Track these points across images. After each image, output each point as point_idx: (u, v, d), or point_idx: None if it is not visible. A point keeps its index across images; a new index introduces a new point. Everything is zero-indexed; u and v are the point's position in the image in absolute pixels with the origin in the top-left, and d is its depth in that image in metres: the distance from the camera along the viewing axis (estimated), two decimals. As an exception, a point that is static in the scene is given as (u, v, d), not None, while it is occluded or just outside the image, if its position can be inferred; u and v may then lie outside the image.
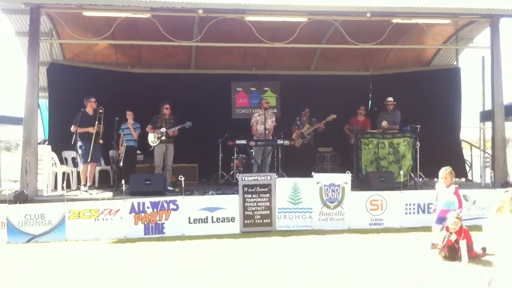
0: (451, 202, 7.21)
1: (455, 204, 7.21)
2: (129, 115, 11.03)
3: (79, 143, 10.18)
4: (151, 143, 10.91)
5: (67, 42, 11.95)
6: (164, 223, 8.42)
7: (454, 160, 12.74)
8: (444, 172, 7.40)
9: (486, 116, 12.73)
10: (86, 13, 10.09)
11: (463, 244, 6.48)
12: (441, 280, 5.71)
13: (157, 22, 9.94)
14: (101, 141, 10.30)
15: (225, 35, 11.28)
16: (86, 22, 10.93)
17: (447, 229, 6.66)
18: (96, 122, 10.19)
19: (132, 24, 11.27)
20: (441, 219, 7.11)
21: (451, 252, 6.58)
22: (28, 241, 8.04)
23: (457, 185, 7.45)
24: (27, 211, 8.15)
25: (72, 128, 10.09)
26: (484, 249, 6.74)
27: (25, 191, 8.93)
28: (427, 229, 8.40)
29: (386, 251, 7.19)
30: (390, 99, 11.96)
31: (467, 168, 13.21)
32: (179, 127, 10.75)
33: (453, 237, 6.55)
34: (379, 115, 11.97)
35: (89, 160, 10.21)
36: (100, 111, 10.33)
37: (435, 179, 7.77)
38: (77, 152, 10.30)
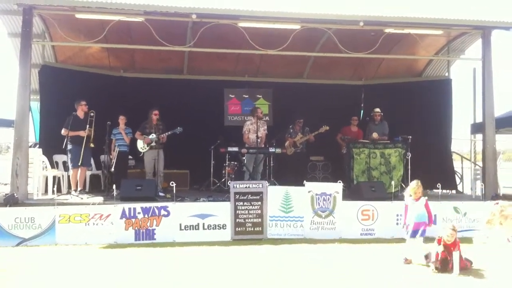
0: (422, 215, 7.15)
1: (426, 217, 7.15)
2: (122, 119, 11.01)
3: (69, 147, 10.11)
4: (140, 150, 10.86)
5: (59, 44, 11.87)
6: (155, 229, 8.38)
7: (444, 171, 12.86)
8: (415, 185, 7.31)
9: (477, 128, 12.80)
10: (79, 16, 10.03)
11: (456, 255, 6.46)
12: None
13: (150, 26, 9.92)
14: (92, 145, 10.25)
15: (218, 40, 11.28)
16: (79, 25, 10.88)
17: (439, 241, 6.64)
18: (87, 126, 10.14)
19: (125, 27, 11.23)
20: (415, 232, 7.07)
21: (443, 265, 6.58)
22: (18, 244, 7.98)
23: (426, 197, 7.37)
24: (17, 215, 8.09)
25: (63, 132, 10.03)
26: (470, 261, 6.75)
27: (15, 194, 8.85)
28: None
29: (377, 261, 7.19)
30: (377, 110, 12.08)
31: (458, 180, 13.26)
32: (169, 132, 10.71)
33: (440, 249, 6.53)
34: (367, 125, 12.01)
35: (79, 164, 10.15)
36: (91, 114, 10.28)
37: (405, 192, 7.81)
38: (67, 155, 10.23)
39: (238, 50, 11.84)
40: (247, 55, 12.83)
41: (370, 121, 12.12)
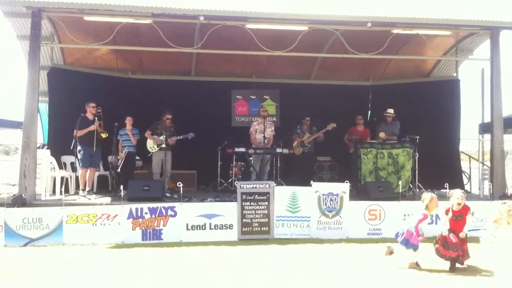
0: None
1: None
2: (129, 121, 11.06)
3: (78, 148, 10.18)
4: (150, 149, 10.93)
5: (68, 46, 11.93)
6: (162, 229, 8.40)
7: (452, 171, 12.83)
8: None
9: (485, 128, 12.76)
10: (88, 18, 10.12)
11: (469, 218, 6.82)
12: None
13: (158, 28, 9.97)
14: (104, 135, 10.29)
15: (226, 42, 11.33)
16: (87, 27, 10.95)
17: (447, 211, 6.72)
18: (96, 119, 10.21)
19: (133, 29, 11.28)
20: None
21: (453, 264, 6.59)
22: (26, 244, 8.02)
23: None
24: (25, 215, 8.13)
25: (75, 133, 10.07)
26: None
27: (23, 195, 8.92)
28: (425, 240, 8.41)
29: (383, 261, 7.17)
30: (390, 111, 11.98)
31: (466, 180, 13.22)
32: (181, 137, 10.77)
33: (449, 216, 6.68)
34: (379, 125, 11.98)
35: (89, 165, 10.23)
36: (99, 111, 10.34)
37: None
38: (76, 156, 10.30)
39: (246, 52, 11.89)
40: (254, 56, 12.85)
41: (382, 121, 12.05)
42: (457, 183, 12.29)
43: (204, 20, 9.77)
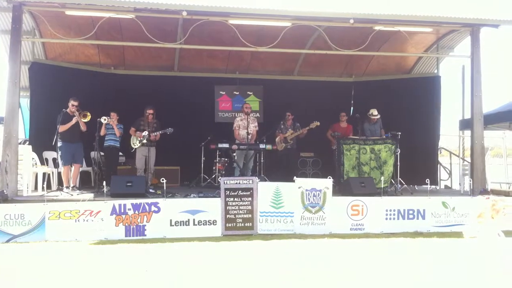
0: None
1: None
2: (113, 116, 10.97)
3: (59, 144, 10.07)
4: (133, 145, 10.90)
5: (49, 41, 11.81)
6: (145, 225, 8.39)
7: (431, 167, 13.01)
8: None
9: (466, 124, 12.92)
10: (69, 12, 10.02)
11: None
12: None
13: (141, 23, 9.91)
14: (88, 117, 10.24)
15: (209, 38, 11.34)
16: (69, 22, 10.87)
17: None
18: (76, 114, 10.15)
19: (115, 24, 11.22)
20: None
21: None
22: (8, 241, 7.95)
23: None
24: (6, 211, 8.06)
25: (59, 129, 9.99)
26: None
27: (5, 191, 8.85)
28: (407, 234, 8.62)
29: (366, 255, 7.25)
30: (375, 113, 11.98)
31: (446, 176, 13.39)
32: (160, 132, 10.75)
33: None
34: (363, 124, 12.01)
35: (71, 161, 10.18)
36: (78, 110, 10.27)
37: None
38: (57, 152, 10.22)
39: (229, 47, 11.89)
40: (237, 52, 12.88)
41: (366, 120, 12.09)
42: (434, 179, 12.47)
43: (187, 16, 9.72)
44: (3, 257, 7.04)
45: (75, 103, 10.22)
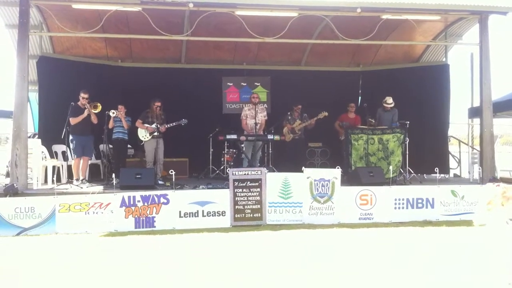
0: None
1: None
2: (121, 109, 11.00)
3: (70, 137, 10.15)
4: (142, 138, 10.91)
5: (56, 35, 11.88)
6: (154, 216, 8.43)
7: (441, 156, 12.95)
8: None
9: (475, 112, 12.84)
10: (76, 6, 10.04)
11: None
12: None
13: (147, 16, 9.93)
14: (99, 108, 10.34)
15: (216, 29, 11.33)
16: (76, 15, 10.90)
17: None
18: (87, 106, 10.21)
19: (122, 17, 11.24)
20: None
21: None
22: (18, 234, 8.02)
23: None
24: (17, 204, 8.12)
25: (72, 121, 10.07)
26: None
27: (15, 185, 8.91)
28: (416, 223, 8.62)
29: (376, 244, 7.25)
30: (389, 101, 11.85)
31: (455, 164, 13.35)
32: (174, 123, 10.74)
33: None
34: (377, 111, 11.96)
35: (81, 154, 10.24)
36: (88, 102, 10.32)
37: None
38: (68, 146, 10.29)
39: (236, 39, 11.88)
40: (244, 43, 12.86)
41: (380, 108, 12.04)
42: (444, 168, 12.44)
43: (194, 7, 9.70)
44: (14, 250, 7.10)
45: (85, 96, 10.27)
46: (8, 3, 10.19)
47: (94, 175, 11.55)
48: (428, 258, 6.41)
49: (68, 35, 11.44)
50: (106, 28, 10.95)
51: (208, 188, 9.39)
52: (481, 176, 10.37)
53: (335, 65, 14.78)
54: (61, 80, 11.93)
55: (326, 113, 11.45)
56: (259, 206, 8.73)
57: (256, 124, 11.29)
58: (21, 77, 9.41)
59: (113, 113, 10.68)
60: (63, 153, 10.89)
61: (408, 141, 11.00)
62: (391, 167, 9.85)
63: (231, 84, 14.29)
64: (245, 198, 8.71)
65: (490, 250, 6.58)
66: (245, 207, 8.70)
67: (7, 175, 10.98)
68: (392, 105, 11.84)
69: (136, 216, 8.38)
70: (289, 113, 11.96)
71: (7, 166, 11.72)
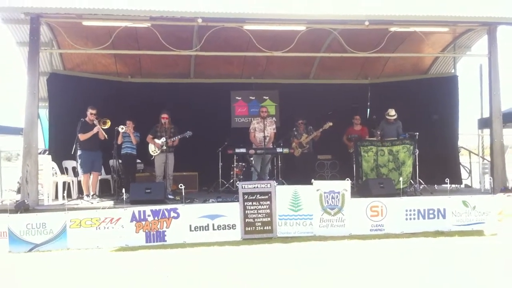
0: None
1: None
2: (129, 124, 11.06)
3: (78, 152, 10.20)
4: (152, 153, 10.95)
5: (67, 51, 12.01)
6: (165, 231, 8.42)
7: (452, 167, 12.89)
8: None
9: (484, 123, 12.80)
10: (86, 23, 10.14)
11: None
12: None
13: (156, 32, 10.01)
14: (108, 124, 10.39)
15: (224, 44, 11.39)
16: (86, 32, 11.01)
17: None
18: (95, 122, 10.27)
19: (132, 33, 11.34)
20: None
21: None
22: (30, 250, 8.04)
23: None
24: (28, 221, 8.15)
25: (81, 137, 10.13)
26: None
27: (26, 201, 8.97)
28: (428, 234, 8.55)
29: (388, 256, 7.21)
30: (392, 113, 11.90)
31: (466, 175, 13.29)
32: (179, 136, 10.77)
33: None
34: (379, 123, 11.96)
35: (90, 170, 10.29)
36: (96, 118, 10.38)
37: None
38: (76, 161, 10.34)
39: (244, 53, 11.96)
40: (253, 57, 12.94)
41: (382, 120, 12.04)
42: (455, 178, 12.38)
43: (202, 23, 9.80)
44: (27, 266, 7.10)
45: (93, 111, 10.34)
46: (19, 21, 10.30)
47: (105, 190, 11.59)
48: (443, 270, 6.36)
49: (78, 51, 11.55)
50: (115, 44, 11.04)
51: (218, 202, 9.41)
52: (492, 186, 10.32)
53: (343, 78, 14.81)
54: (71, 96, 12.01)
55: (331, 123, 11.40)
56: (269, 218, 8.70)
57: (265, 137, 11.30)
58: (31, 93, 9.50)
59: (122, 128, 10.75)
60: (74, 168, 10.93)
61: (417, 152, 10.95)
62: (401, 179, 9.81)
63: (240, 98, 14.35)
64: (255, 211, 8.70)
65: (506, 260, 6.53)
66: (255, 220, 8.67)
67: (18, 191, 11.02)
68: (395, 117, 11.85)
69: (146, 231, 8.38)
70: (294, 128, 11.94)
71: (18, 182, 11.79)
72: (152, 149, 10.91)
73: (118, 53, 12.57)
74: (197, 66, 13.93)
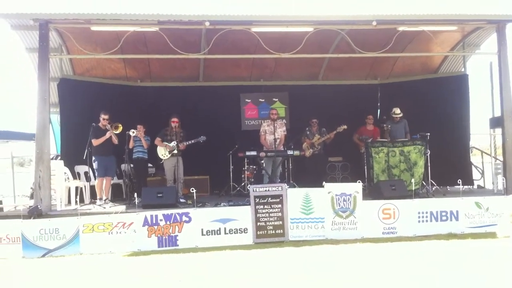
0: None
1: None
2: (140, 128, 11.09)
3: (93, 158, 10.27)
4: (161, 157, 10.96)
5: (76, 57, 12.07)
6: (177, 235, 8.45)
7: (463, 167, 12.81)
8: None
9: (496, 122, 12.69)
10: (95, 28, 10.17)
11: None
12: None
13: (165, 35, 10.02)
14: (119, 128, 10.41)
15: (232, 46, 11.40)
16: (95, 37, 11.05)
17: None
18: (109, 127, 10.31)
19: (140, 38, 11.36)
20: None
21: None
22: (44, 255, 8.11)
23: None
24: (41, 226, 8.23)
25: (94, 142, 10.18)
26: None
27: (39, 206, 9.01)
28: (440, 236, 8.50)
29: (400, 259, 7.17)
30: (397, 112, 11.92)
31: (479, 175, 13.19)
32: (193, 141, 10.77)
33: None
34: (385, 123, 11.92)
35: (104, 174, 10.33)
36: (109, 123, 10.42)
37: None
38: (91, 166, 10.38)
39: (253, 55, 11.95)
40: (261, 59, 12.93)
41: (389, 120, 12.02)
42: (467, 179, 12.30)
43: (210, 26, 9.80)
44: (41, 272, 7.15)
45: (106, 117, 10.38)
46: (28, 27, 10.33)
47: (117, 195, 11.64)
48: (454, 273, 6.33)
49: (88, 57, 11.60)
50: (124, 49, 11.07)
51: (230, 205, 9.40)
52: (505, 186, 10.23)
53: (352, 79, 14.75)
54: (82, 101, 12.07)
55: (345, 126, 11.41)
56: (281, 222, 8.70)
57: (275, 139, 11.29)
58: (42, 99, 9.53)
59: (133, 132, 10.78)
60: (86, 173, 10.98)
61: (429, 153, 10.89)
62: (413, 180, 9.77)
63: (249, 100, 14.35)
64: (267, 215, 8.70)
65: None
66: (267, 223, 8.67)
67: (31, 196, 11.07)
68: (401, 115, 11.85)
69: (159, 235, 8.41)
70: (307, 128, 11.94)
71: (31, 188, 11.85)
72: (161, 152, 10.91)
73: (127, 58, 12.62)
74: (205, 69, 13.94)
